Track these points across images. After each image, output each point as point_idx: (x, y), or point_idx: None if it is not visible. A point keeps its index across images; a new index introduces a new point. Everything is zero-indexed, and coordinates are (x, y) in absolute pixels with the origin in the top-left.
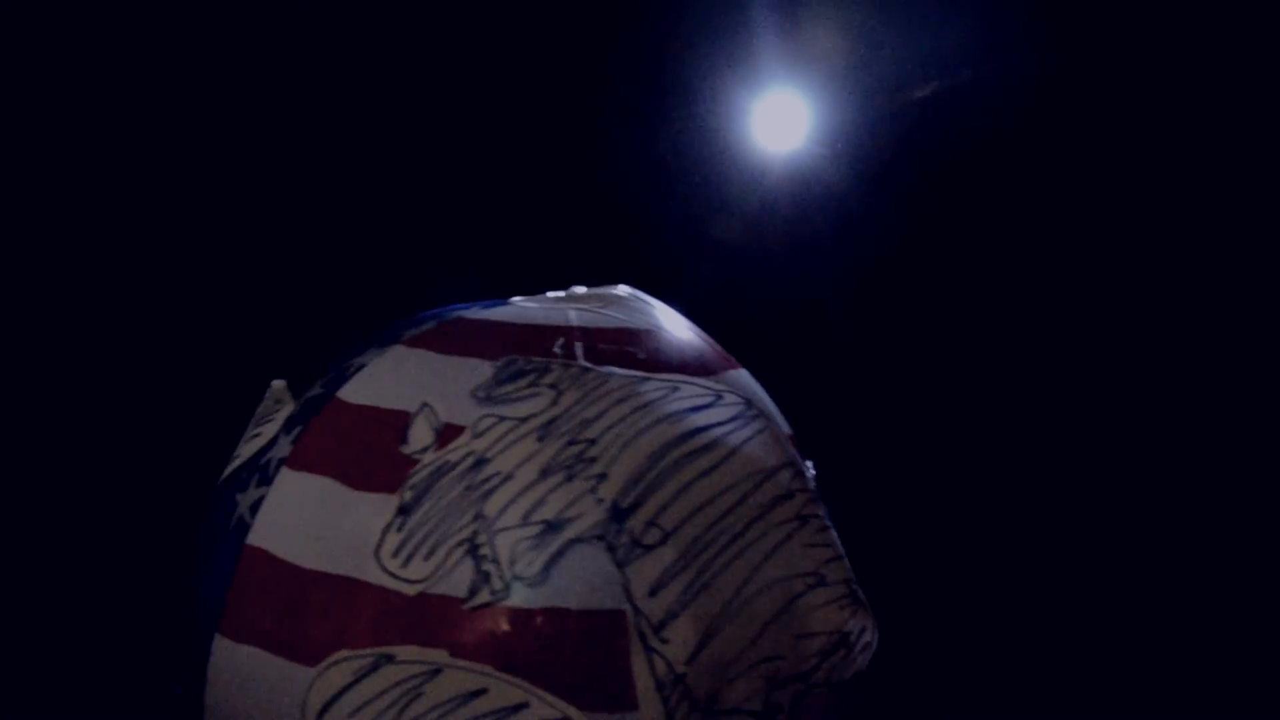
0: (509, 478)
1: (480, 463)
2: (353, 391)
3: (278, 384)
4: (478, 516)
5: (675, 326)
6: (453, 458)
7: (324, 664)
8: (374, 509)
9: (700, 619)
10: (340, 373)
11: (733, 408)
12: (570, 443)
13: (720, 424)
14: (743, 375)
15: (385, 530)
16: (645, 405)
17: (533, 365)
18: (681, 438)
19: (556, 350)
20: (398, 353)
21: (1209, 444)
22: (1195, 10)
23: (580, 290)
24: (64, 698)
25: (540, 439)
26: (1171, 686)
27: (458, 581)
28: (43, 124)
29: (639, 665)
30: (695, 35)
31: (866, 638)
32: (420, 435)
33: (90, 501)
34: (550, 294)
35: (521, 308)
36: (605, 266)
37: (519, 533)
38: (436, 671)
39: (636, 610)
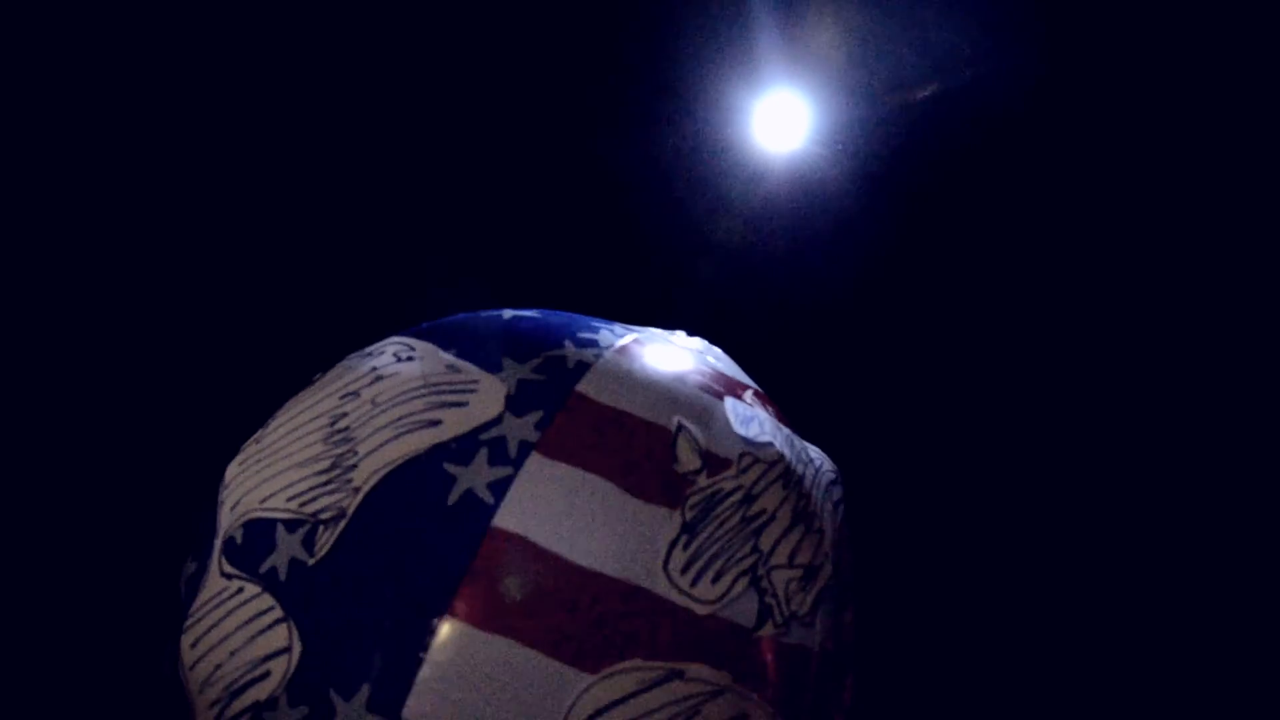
0: (773, 518)
1: (749, 498)
2: (593, 389)
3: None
4: (755, 550)
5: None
6: (725, 487)
7: (609, 670)
8: (657, 521)
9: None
10: (558, 364)
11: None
12: (803, 496)
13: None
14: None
15: (672, 545)
16: (823, 480)
17: (753, 414)
18: (837, 503)
19: (748, 400)
20: (617, 358)
21: (1205, 440)
22: (1190, 10)
23: (681, 334)
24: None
25: (784, 486)
26: (1172, 686)
27: (745, 610)
28: (44, 126)
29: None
30: (696, 36)
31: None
32: (688, 458)
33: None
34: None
35: (663, 334)
36: (606, 265)
37: (789, 572)
38: (718, 693)
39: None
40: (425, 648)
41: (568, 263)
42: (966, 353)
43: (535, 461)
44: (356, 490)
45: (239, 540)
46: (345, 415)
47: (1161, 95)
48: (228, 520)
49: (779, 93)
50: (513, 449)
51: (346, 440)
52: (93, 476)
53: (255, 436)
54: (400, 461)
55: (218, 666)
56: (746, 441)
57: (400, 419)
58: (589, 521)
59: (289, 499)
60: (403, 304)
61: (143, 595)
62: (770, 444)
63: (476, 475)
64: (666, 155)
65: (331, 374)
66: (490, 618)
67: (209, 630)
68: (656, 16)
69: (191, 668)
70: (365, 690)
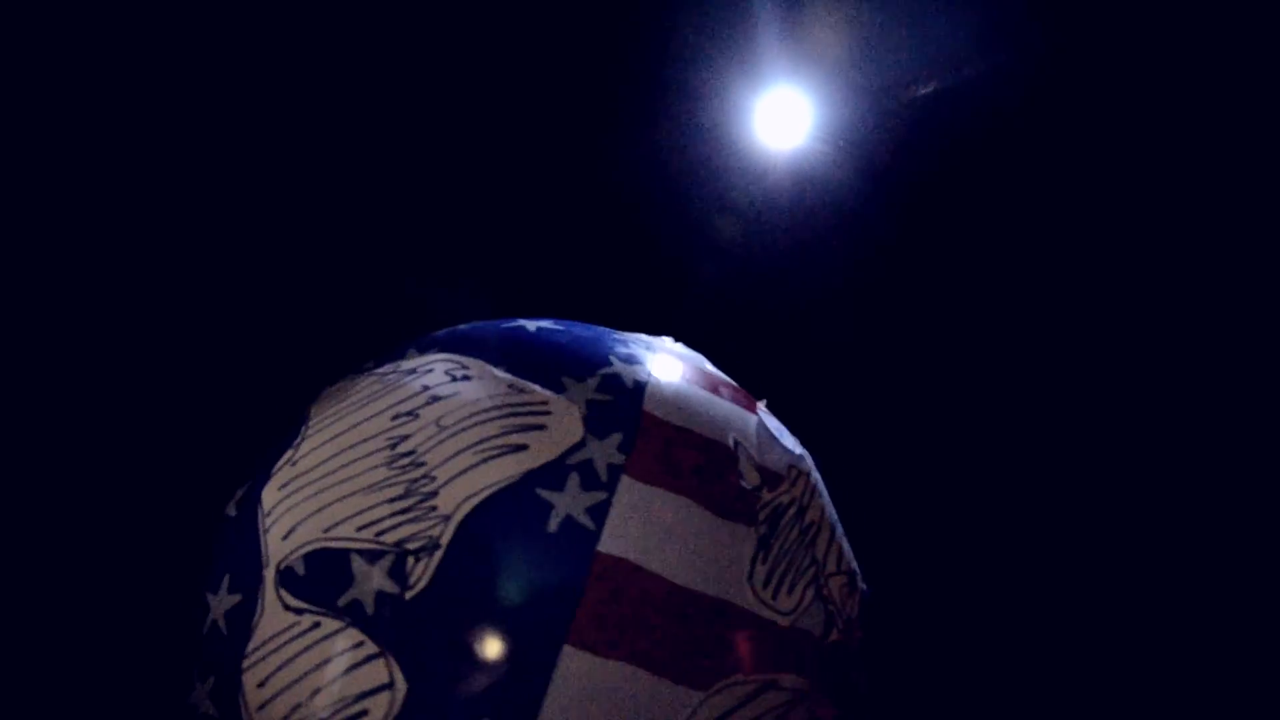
0: (820, 528)
1: (801, 510)
2: (658, 409)
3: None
4: (813, 560)
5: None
6: (784, 501)
7: (717, 687)
8: (737, 537)
9: None
10: (617, 383)
11: None
12: (827, 502)
13: None
14: None
15: (754, 560)
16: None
17: (778, 425)
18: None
19: (764, 410)
20: (663, 374)
21: (1201, 437)
22: (1187, 11)
23: (669, 341)
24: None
25: (818, 495)
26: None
27: (815, 619)
28: (45, 129)
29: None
30: (698, 34)
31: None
32: (750, 473)
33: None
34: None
35: (682, 349)
36: (608, 264)
37: (839, 579)
38: (801, 698)
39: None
40: (549, 677)
41: (566, 259)
42: (964, 347)
43: (626, 484)
44: (446, 519)
45: (300, 572)
46: (407, 438)
47: (1156, 93)
48: (280, 550)
49: (781, 90)
50: (602, 472)
51: (416, 465)
52: (81, 491)
53: (287, 459)
54: (492, 489)
55: (297, 706)
56: (789, 454)
57: (479, 444)
58: (684, 542)
59: (360, 528)
60: (397, 304)
61: (142, 625)
62: (804, 456)
63: (573, 501)
64: (667, 152)
65: (363, 390)
66: (607, 643)
67: (281, 668)
68: (657, 14)
69: (261, 708)
70: None
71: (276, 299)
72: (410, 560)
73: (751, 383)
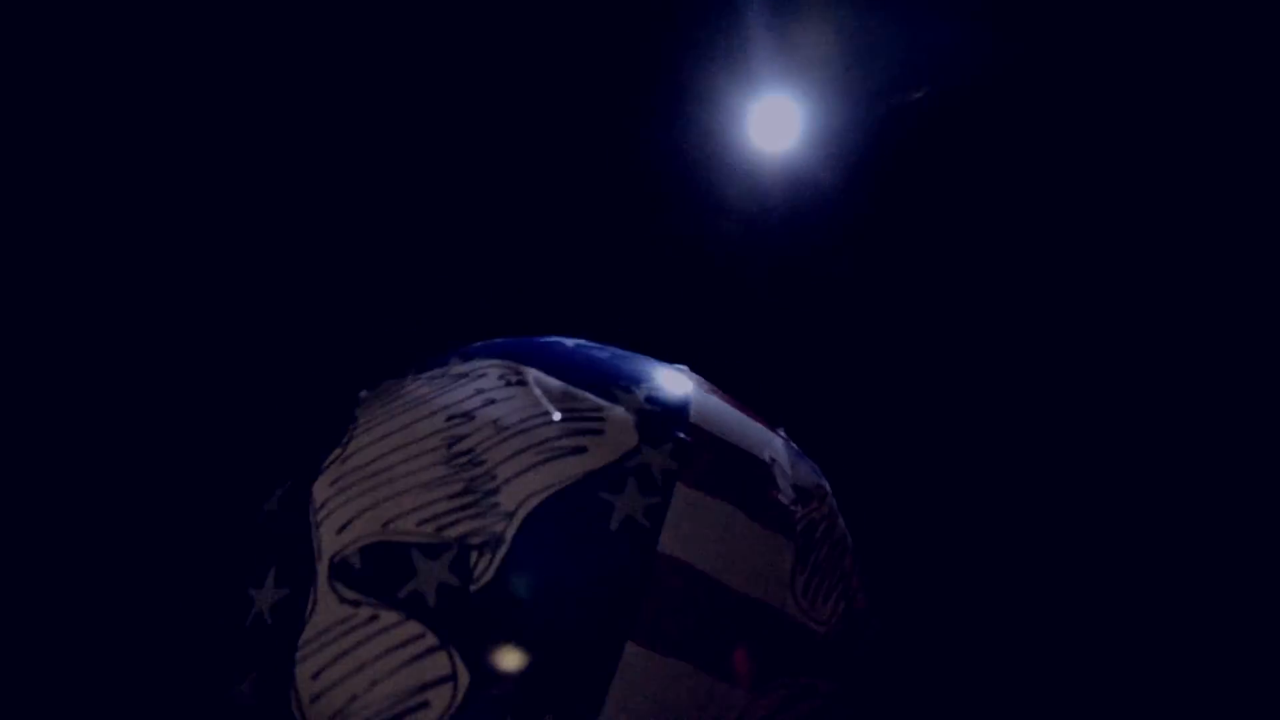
0: (844, 545)
1: (830, 527)
2: (702, 421)
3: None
4: (842, 575)
5: None
6: (815, 517)
7: (763, 689)
8: (777, 546)
9: None
10: (663, 396)
11: None
12: (841, 520)
13: None
14: None
15: (793, 570)
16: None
17: (796, 448)
18: None
19: (781, 434)
20: (700, 392)
21: (1198, 435)
22: (1181, 12)
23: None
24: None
25: (837, 513)
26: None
27: (845, 628)
28: (46, 130)
29: None
30: (691, 39)
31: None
32: (786, 489)
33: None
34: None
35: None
36: (602, 266)
37: (862, 594)
38: (833, 703)
39: None
40: (612, 672)
41: (557, 267)
42: (958, 348)
43: (680, 491)
44: (509, 515)
45: (357, 565)
46: (465, 438)
47: (1149, 94)
48: (334, 543)
49: (773, 95)
50: (659, 478)
51: (475, 463)
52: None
53: (336, 456)
54: (554, 488)
55: (354, 698)
56: (815, 473)
57: (540, 444)
58: (734, 548)
59: (420, 522)
60: (396, 316)
61: (170, 620)
62: (823, 479)
63: (633, 502)
64: (661, 156)
65: (412, 393)
66: (665, 641)
67: (337, 659)
68: (653, 20)
69: (315, 699)
70: (549, 719)
71: (298, 306)
72: (474, 555)
73: (744, 392)
